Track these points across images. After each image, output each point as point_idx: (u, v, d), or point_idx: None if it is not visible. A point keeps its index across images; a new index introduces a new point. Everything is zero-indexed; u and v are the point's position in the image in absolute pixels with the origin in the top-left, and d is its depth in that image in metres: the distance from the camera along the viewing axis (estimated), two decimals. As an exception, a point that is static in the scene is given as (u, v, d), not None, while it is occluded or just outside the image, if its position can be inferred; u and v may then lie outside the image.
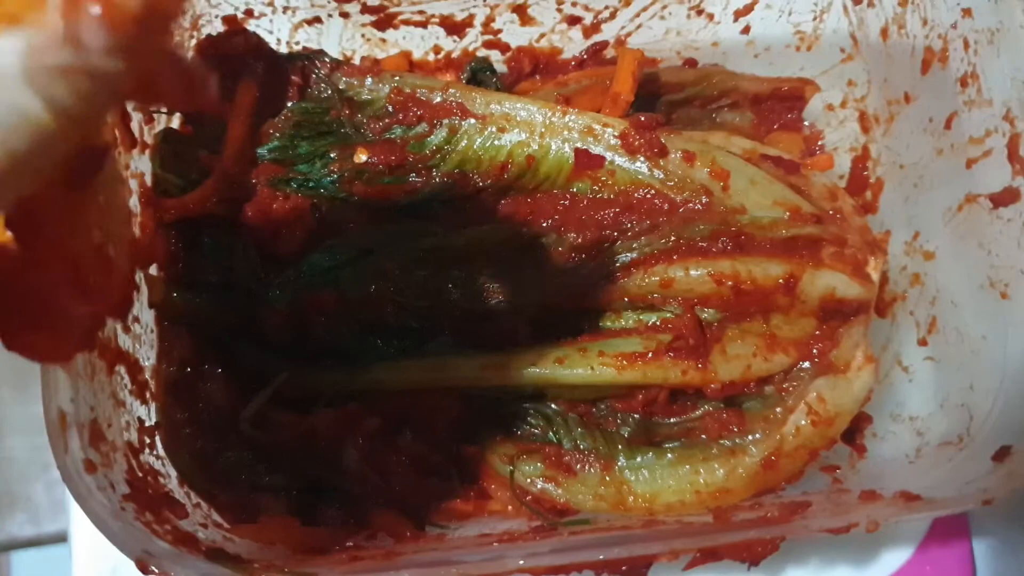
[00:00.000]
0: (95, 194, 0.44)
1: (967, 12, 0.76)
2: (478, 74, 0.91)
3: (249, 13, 0.86)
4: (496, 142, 0.80)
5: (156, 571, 0.61)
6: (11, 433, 1.47)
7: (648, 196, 0.79)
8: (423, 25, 0.90)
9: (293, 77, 0.83)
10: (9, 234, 0.42)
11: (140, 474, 0.70)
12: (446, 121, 0.81)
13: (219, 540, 0.70)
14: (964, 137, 0.78)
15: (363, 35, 0.91)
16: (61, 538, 1.40)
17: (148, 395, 0.76)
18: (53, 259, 0.43)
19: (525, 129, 0.80)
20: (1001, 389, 0.73)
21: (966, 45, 0.76)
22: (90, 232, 0.44)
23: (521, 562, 0.62)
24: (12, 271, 0.42)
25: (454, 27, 0.91)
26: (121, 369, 0.72)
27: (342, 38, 0.91)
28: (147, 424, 0.74)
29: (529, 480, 0.79)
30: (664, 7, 0.91)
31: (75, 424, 0.63)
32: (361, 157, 0.80)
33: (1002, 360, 0.74)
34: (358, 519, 0.78)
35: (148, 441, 0.74)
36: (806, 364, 0.79)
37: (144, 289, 0.77)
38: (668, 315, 0.79)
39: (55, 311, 0.44)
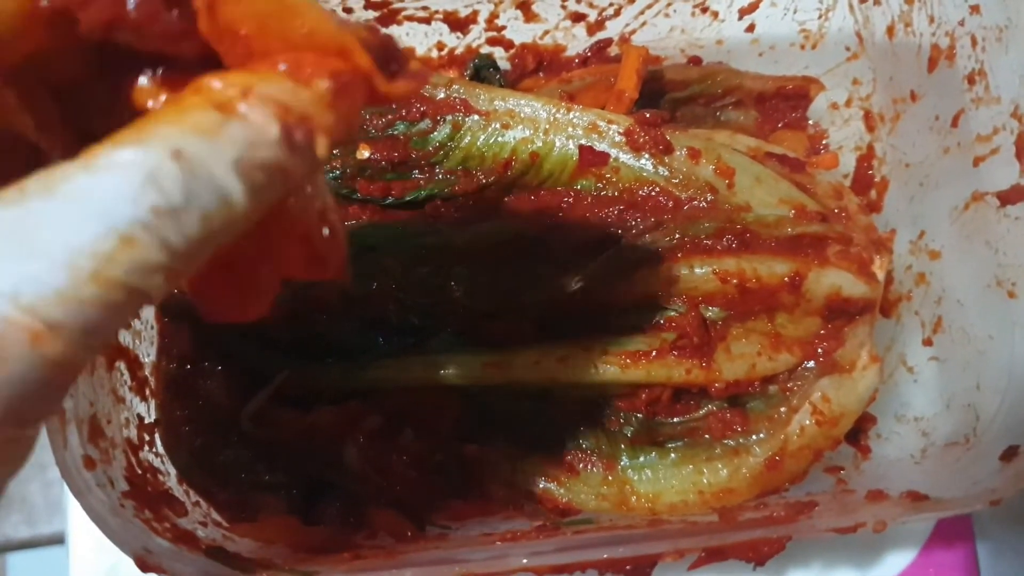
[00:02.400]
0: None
1: (975, 9, 0.75)
2: (481, 71, 0.90)
3: (251, 8, 0.85)
4: (500, 139, 0.80)
5: (156, 570, 0.60)
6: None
7: (653, 193, 0.79)
8: (427, 21, 0.90)
9: (295, 72, 0.83)
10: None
11: (139, 471, 0.69)
12: (449, 117, 0.80)
13: (218, 539, 0.69)
14: (971, 135, 0.77)
15: (366, 31, 0.90)
16: (57, 539, 1.40)
17: (148, 392, 0.75)
18: (289, 243, 0.45)
19: (529, 126, 0.79)
20: (1008, 389, 0.73)
21: (974, 42, 0.76)
22: (309, 204, 0.46)
23: (525, 560, 0.62)
24: (250, 264, 0.45)
25: (458, 23, 0.90)
26: (121, 365, 0.71)
27: (345, 34, 0.90)
28: (147, 421, 0.74)
29: (531, 479, 0.78)
30: (669, 4, 0.90)
31: (74, 420, 0.63)
32: (363, 153, 0.80)
33: (1009, 360, 0.74)
34: (358, 518, 0.78)
35: (147, 438, 0.73)
36: (811, 364, 0.79)
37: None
38: (672, 313, 0.78)
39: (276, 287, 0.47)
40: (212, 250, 0.37)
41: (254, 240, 0.44)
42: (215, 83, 0.37)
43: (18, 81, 0.40)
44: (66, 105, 0.43)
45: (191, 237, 0.35)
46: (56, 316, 0.33)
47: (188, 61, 0.41)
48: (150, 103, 0.41)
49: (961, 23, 0.77)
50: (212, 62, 0.40)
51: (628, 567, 0.65)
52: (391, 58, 0.42)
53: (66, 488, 0.84)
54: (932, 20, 0.80)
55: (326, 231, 0.47)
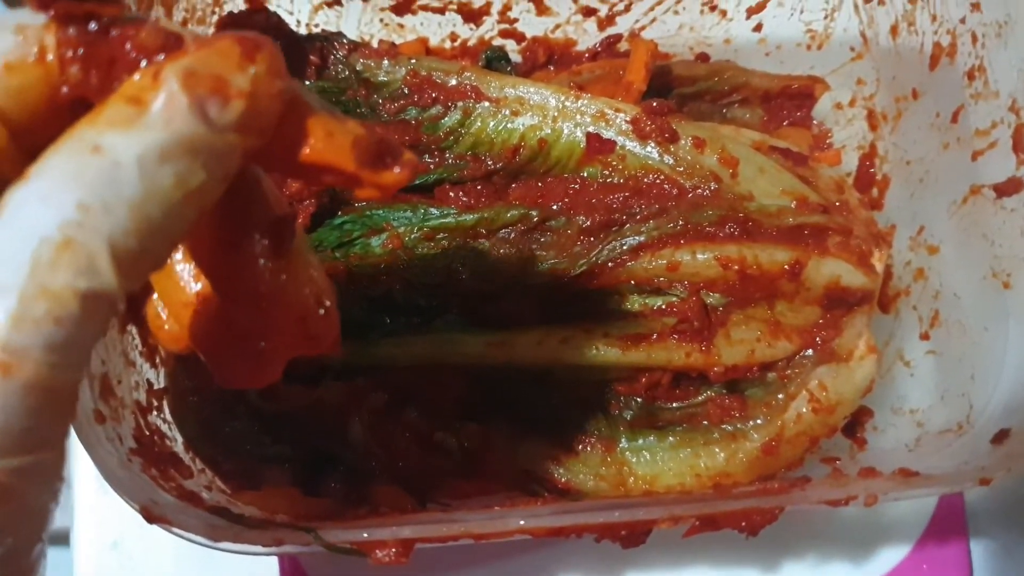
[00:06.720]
0: (299, 255, 0.49)
1: (976, 6, 0.77)
2: (493, 63, 0.92)
3: (271, -8, 0.88)
4: (509, 125, 0.81)
5: (162, 521, 0.61)
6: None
7: (658, 181, 0.80)
8: (441, 11, 0.92)
9: (311, 57, 0.84)
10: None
11: (147, 433, 0.71)
12: (460, 103, 0.82)
13: (223, 503, 0.70)
14: (970, 130, 0.79)
15: (381, 20, 0.92)
16: (60, 536, 1.41)
17: (158, 360, 0.77)
18: (285, 324, 0.49)
19: (538, 113, 0.81)
20: (1002, 377, 0.74)
21: (974, 39, 0.77)
22: (304, 288, 0.49)
23: (522, 522, 0.63)
24: (251, 340, 0.48)
25: (471, 14, 0.92)
26: (132, 329, 0.73)
27: (361, 22, 0.92)
28: (156, 387, 0.75)
29: (531, 459, 0.79)
30: (678, 2, 0.92)
31: (86, 375, 0.64)
32: (375, 136, 0.81)
33: (1003, 349, 0.75)
34: (360, 492, 0.79)
35: (156, 404, 0.74)
36: (809, 352, 0.80)
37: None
38: (674, 299, 0.80)
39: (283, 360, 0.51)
40: (164, 241, 0.38)
41: (256, 319, 0.47)
42: (130, 78, 0.38)
43: None
44: None
45: (130, 228, 0.35)
46: (15, 341, 0.33)
47: None
48: None
49: (962, 21, 0.79)
50: None
51: (623, 532, 0.66)
52: (385, 153, 0.44)
53: (71, 481, 0.87)
54: (934, 19, 0.82)
55: (322, 311, 0.50)
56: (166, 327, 0.60)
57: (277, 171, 0.45)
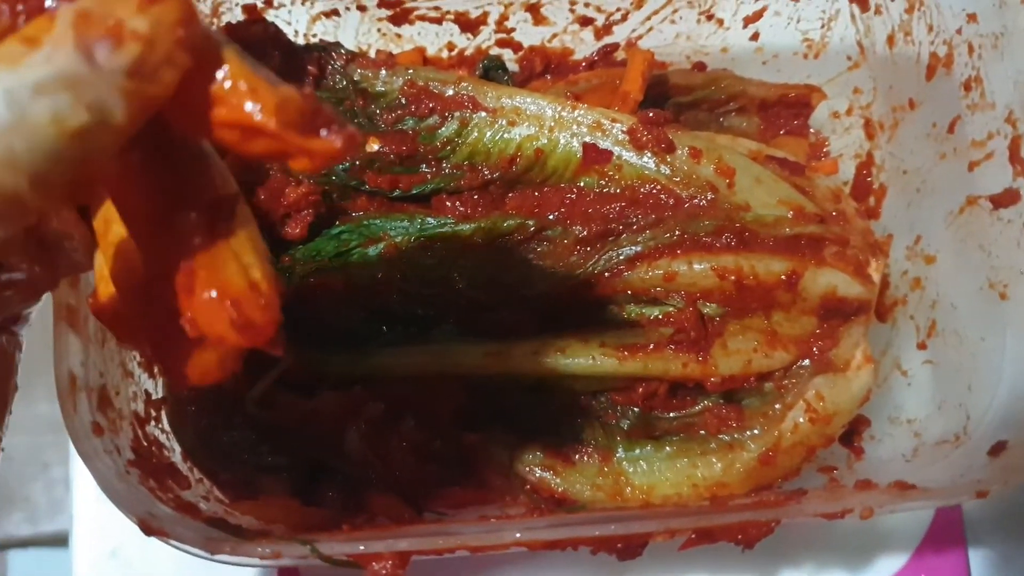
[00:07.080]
0: (239, 238, 0.46)
1: (972, 17, 0.77)
2: (490, 72, 0.92)
3: (268, 3, 0.88)
4: (506, 135, 0.81)
5: (159, 534, 0.61)
6: (11, 432, 1.47)
7: (654, 191, 0.80)
8: (438, 21, 0.92)
9: (309, 67, 0.84)
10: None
11: (145, 443, 0.71)
12: (457, 114, 0.82)
13: (220, 513, 0.70)
14: (967, 140, 0.79)
15: (379, 30, 0.92)
16: (59, 538, 1.41)
17: (156, 370, 0.77)
18: (214, 306, 0.45)
19: (535, 123, 0.81)
20: (999, 388, 0.74)
21: (970, 50, 0.78)
22: (238, 271, 0.46)
23: (518, 535, 0.63)
24: (173, 319, 0.45)
25: (468, 24, 0.92)
26: (130, 341, 0.73)
27: (358, 32, 0.92)
28: (154, 397, 0.75)
29: (528, 468, 0.79)
30: (675, 11, 0.92)
31: (84, 388, 0.64)
32: (373, 146, 0.81)
33: (1000, 360, 0.75)
34: (357, 502, 0.79)
35: (154, 414, 0.75)
36: (806, 362, 0.80)
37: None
38: (670, 309, 0.80)
39: (219, 348, 0.48)
40: (35, 180, 0.37)
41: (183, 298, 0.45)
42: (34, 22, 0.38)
43: None
44: None
45: None
46: None
47: None
48: None
49: (959, 31, 0.79)
50: None
51: (619, 545, 0.66)
52: (323, 122, 0.42)
53: (70, 486, 0.87)
54: (931, 29, 0.82)
55: (259, 300, 0.46)
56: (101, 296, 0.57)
57: (197, 131, 0.43)
